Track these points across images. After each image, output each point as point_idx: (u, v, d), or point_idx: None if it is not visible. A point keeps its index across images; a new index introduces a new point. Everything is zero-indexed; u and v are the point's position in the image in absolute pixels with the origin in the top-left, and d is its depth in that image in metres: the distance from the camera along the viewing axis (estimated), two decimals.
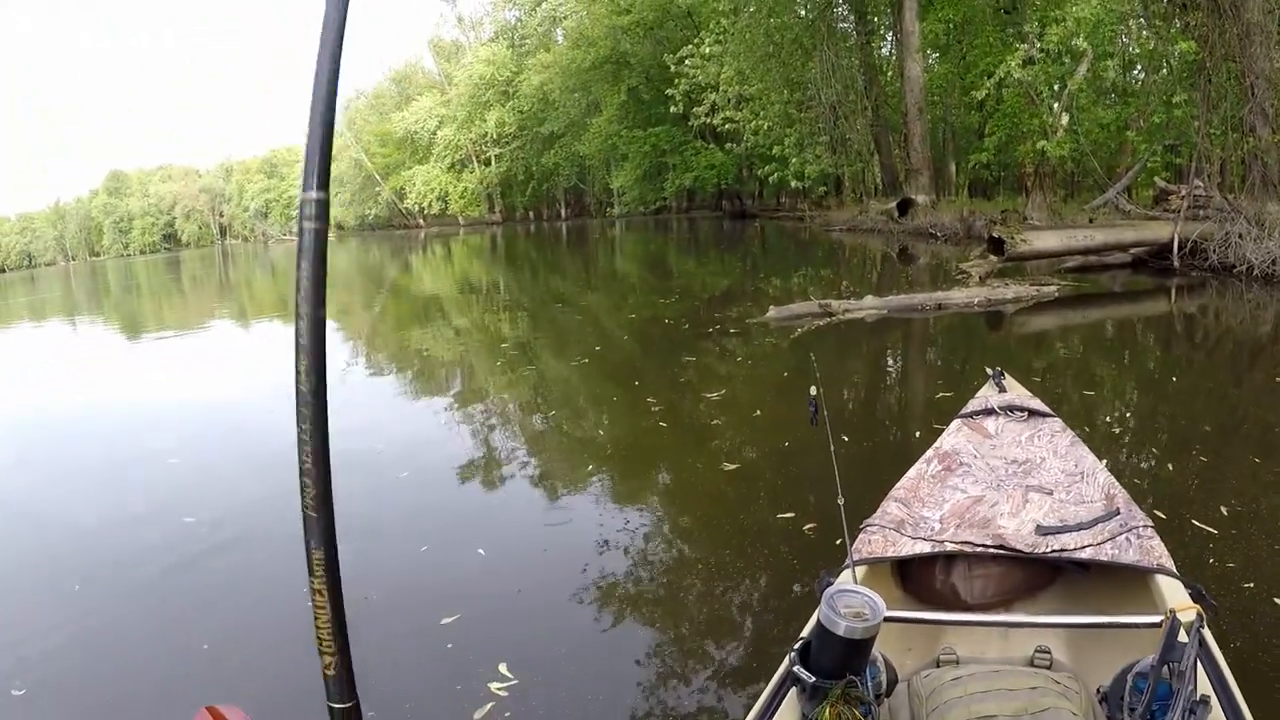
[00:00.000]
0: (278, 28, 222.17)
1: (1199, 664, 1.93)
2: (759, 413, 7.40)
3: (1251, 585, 3.55)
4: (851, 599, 1.91)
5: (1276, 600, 3.42)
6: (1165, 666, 1.83)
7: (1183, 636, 1.86)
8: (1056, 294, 12.19)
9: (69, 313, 28.29)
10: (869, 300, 11.88)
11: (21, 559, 5.42)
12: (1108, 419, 6.53)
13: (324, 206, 1.47)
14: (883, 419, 7.43)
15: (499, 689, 3.26)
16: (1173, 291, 12.80)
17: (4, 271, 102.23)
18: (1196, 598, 2.36)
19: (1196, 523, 4.18)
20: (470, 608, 3.97)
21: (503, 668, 3.38)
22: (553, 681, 3.36)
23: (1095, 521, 2.85)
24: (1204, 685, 1.91)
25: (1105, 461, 4.89)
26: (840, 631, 1.85)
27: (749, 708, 2.14)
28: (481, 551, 4.69)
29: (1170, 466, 5.28)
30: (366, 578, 4.21)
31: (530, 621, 3.87)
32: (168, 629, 4.21)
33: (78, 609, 4.47)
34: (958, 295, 12.12)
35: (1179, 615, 1.97)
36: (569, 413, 8.31)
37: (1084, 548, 2.72)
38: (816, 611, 1.96)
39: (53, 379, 13.25)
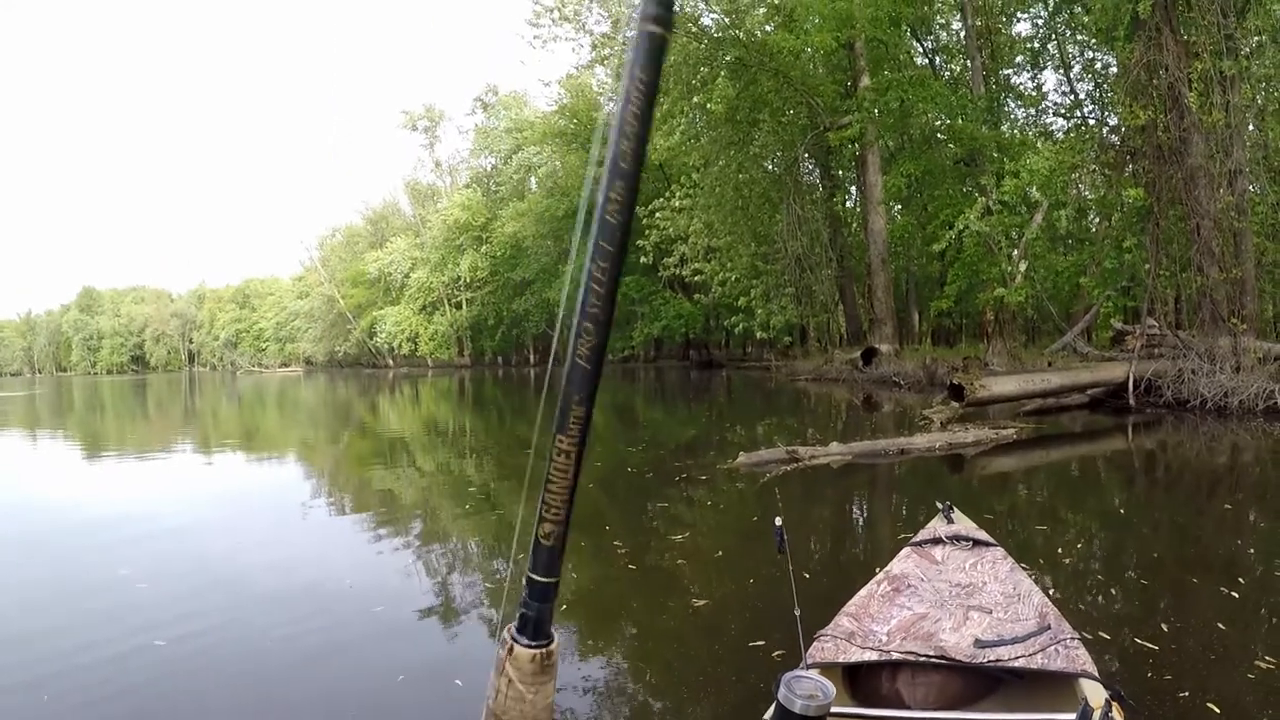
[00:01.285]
0: (263, 158, 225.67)
1: None
2: (721, 553, 7.36)
3: (1186, 694, 3.79)
4: (806, 683, 2.08)
5: (1210, 705, 3.65)
6: None
7: None
8: (1015, 436, 12.38)
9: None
10: (834, 446, 11.92)
11: None
12: (1060, 550, 6.74)
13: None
14: (843, 556, 7.49)
15: None
16: (1129, 428, 13.02)
17: None
18: (1115, 697, 2.60)
19: (1138, 640, 4.44)
20: None
21: None
22: None
23: (1028, 636, 3.11)
24: None
25: (1055, 587, 5.43)
26: (796, 709, 2.03)
27: None
28: (459, 682, 4.53)
29: (1115, 591, 5.62)
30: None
31: None
32: None
33: None
34: (920, 440, 12.25)
35: (1092, 707, 2.27)
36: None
37: (1017, 658, 2.97)
38: (776, 696, 2.10)
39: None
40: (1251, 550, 6.25)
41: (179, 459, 17.31)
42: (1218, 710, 3.58)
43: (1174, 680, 3.92)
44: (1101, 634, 4.51)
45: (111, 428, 27.51)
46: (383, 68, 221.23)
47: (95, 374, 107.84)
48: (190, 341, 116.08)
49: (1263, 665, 4.01)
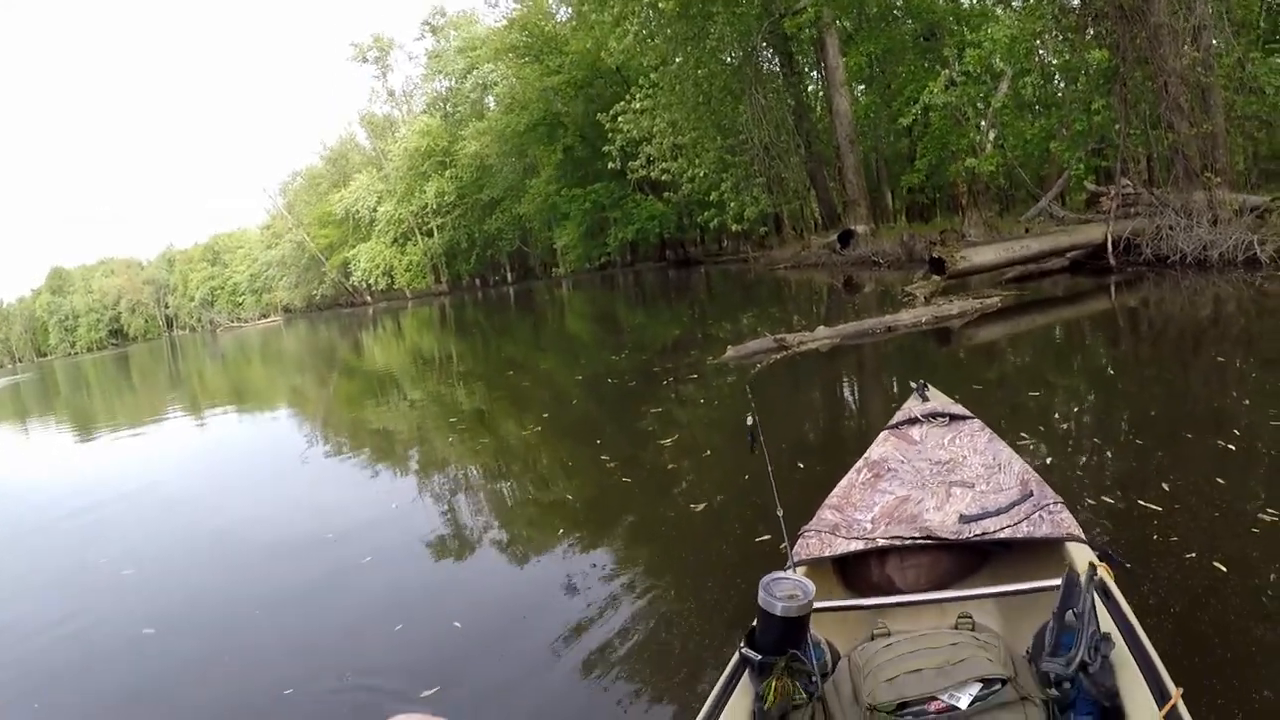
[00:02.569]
0: (216, 110, 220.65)
1: (1104, 609, 2.24)
2: (710, 453, 7.42)
3: (1193, 555, 3.78)
4: (784, 584, 2.21)
5: (1216, 564, 3.65)
6: (1068, 612, 2.13)
7: (1083, 585, 2.16)
8: (1000, 305, 12.43)
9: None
10: (821, 331, 11.96)
11: None
12: (1056, 416, 6.75)
13: None
14: (836, 442, 7.47)
15: None
16: (1112, 288, 13.07)
17: None
18: (1103, 557, 2.65)
19: (1141, 503, 4.42)
20: (451, 682, 3.90)
21: None
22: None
23: (1011, 505, 3.15)
24: (1108, 626, 2.18)
25: (1052, 454, 5.52)
26: (777, 611, 2.16)
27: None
28: (458, 624, 4.55)
29: (1113, 453, 5.61)
30: (341, 661, 4.27)
31: (517, 691, 3.82)
32: None
33: None
34: (905, 317, 12.31)
35: (1076, 569, 2.30)
36: (529, 480, 8.09)
37: (1003, 529, 3.02)
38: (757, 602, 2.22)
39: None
40: (1246, 401, 6.26)
41: (171, 426, 17.26)
42: (1224, 569, 3.58)
43: (1180, 541, 3.92)
44: (1105, 499, 4.55)
45: (99, 406, 27.44)
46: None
47: (75, 354, 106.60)
48: (166, 307, 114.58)
49: (1265, 518, 3.98)
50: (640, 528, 5.80)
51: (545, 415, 10.67)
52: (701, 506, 5.73)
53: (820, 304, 19.92)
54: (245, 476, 10.42)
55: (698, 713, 2.28)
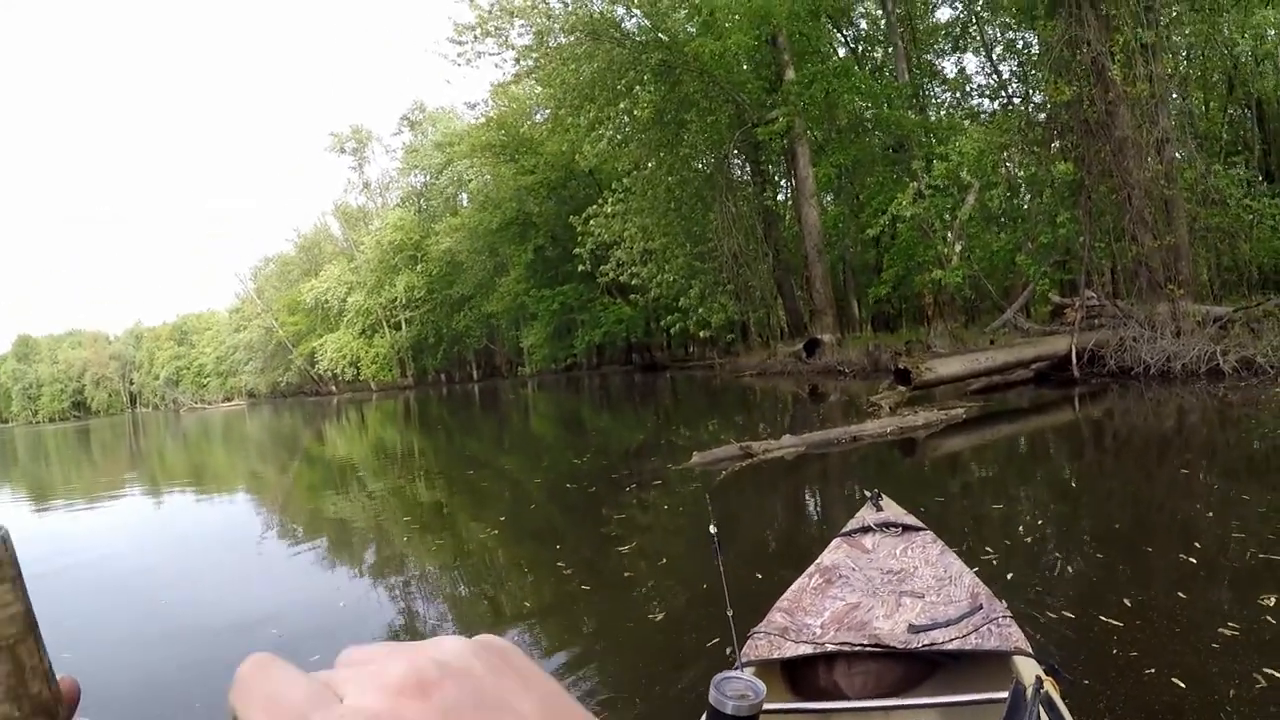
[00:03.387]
0: (190, 190, 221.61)
1: None
2: (666, 561, 7.31)
3: (1152, 670, 3.76)
4: (736, 683, 1.85)
5: (1175, 680, 3.63)
6: None
7: (1029, 699, 2.14)
8: (964, 416, 12.44)
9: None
10: (787, 439, 11.89)
11: None
12: (1021, 528, 6.70)
13: None
14: (797, 550, 7.26)
15: None
16: (1076, 400, 13.16)
17: None
18: (1049, 671, 2.63)
19: (1102, 618, 4.42)
20: None
21: None
22: None
23: (961, 617, 3.12)
24: None
25: (1013, 569, 5.52)
26: (728, 710, 1.81)
27: None
28: None
29: (1074, 567, 5.52)
30: None
31: None
32: None
33: None
34: (871, 427, 12.33)
35: (1023, 683, 2.29)
36: (485, 583, 7.91)
37: (951, 640, 2.98)
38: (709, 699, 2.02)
39: None
40: (1210, 514, 6.24)
41: (127, 503, 17.00)
42: (1183, 685, 3.56)
43: (1140, 657, 3.89)
44: (1065, 613, 4.51)
45: (57, 476, 26.97)
46: (306, 91, 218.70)
47: (37, 422, 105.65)
48: (131, 383, 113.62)
49: (1226, 633, 3.99)
50: (596, 636, 5.68)
51: (503, 518, 10.46)
52: (660, 616, 5.64)
53: (785, 412, 19.88)
54: (197, 561, 10.13)
55: None
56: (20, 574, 0.52)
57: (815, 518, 9.02)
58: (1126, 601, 4.56)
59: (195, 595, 8.11)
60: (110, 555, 10.73)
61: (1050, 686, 2.45)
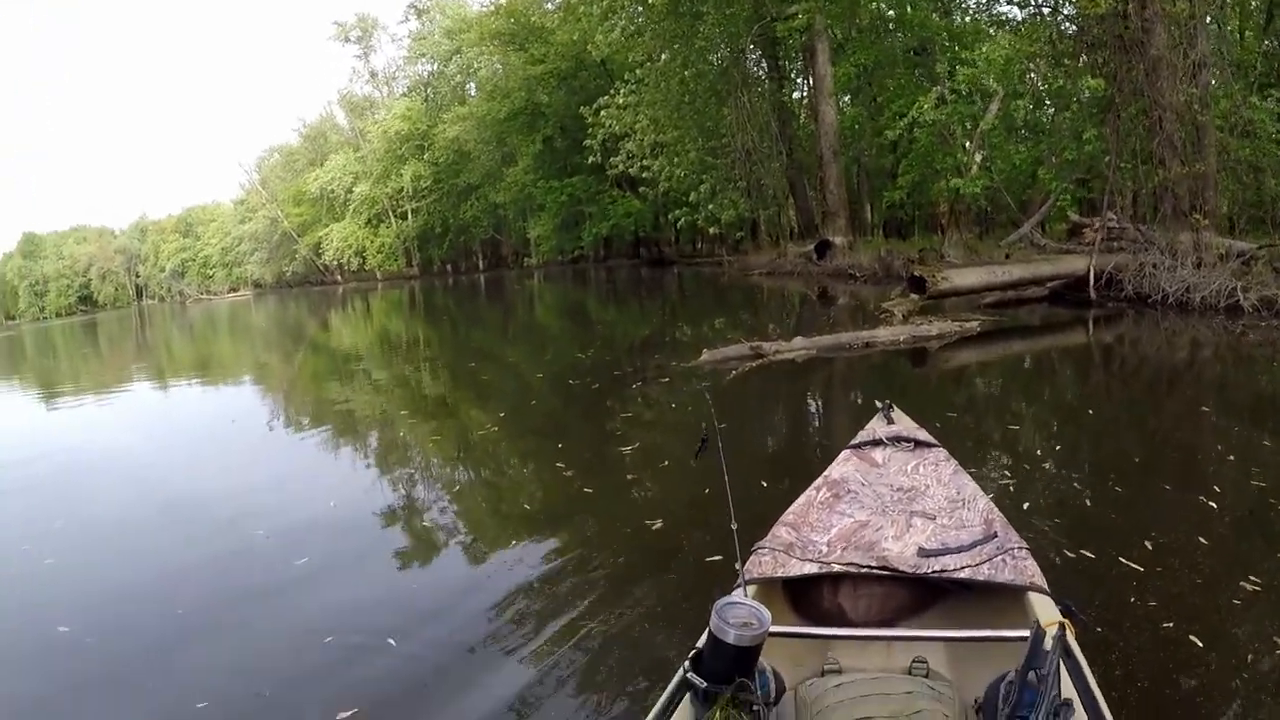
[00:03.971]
0: (194, 84, 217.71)
1: (1064, 671, 2.10)
2: (666, 463, 7.29)
3: (1170, 624, 3.60)
4: (739, 610, 2.08)
5: (1192, 638, 3.46)
6: (1030, 673, 1.96)
7: (1048, 645, 2.00)
8: (978, 329, 12.34)
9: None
10: (798, 341, 11.85)
11: None
12: (1038, 452, 6.50)
13: None
14: (802, 456, 7.40)
15: None
16: (1090, 323, 12.96)
17: None
18: (1066, 613, 2.55)
19: (1123, 560, 4.24)
20: (380, 702, 3.74)
21: None
22: None
23: (974, 544, 3.02)
24: (1069, 691, 2.10)
25: (1027, 494, 5.37)
26: (730, 639, 2.03)
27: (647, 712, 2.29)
28: (392, 641, 4.29)
29: (1091, 502, 5.27)
30: (262, 672, 4.17)
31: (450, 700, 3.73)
32: None
33: None
34: (884, 333, 12.25)
35: (1043, 626, 2.11)
36: (483, 482, 7.91)
37: (963, 568, 2.91)
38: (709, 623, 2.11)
39: None
40: (1231, 457, 6.02)
41: (130, 395, 17.16)
42: (1200, 644, 3.41)
43: (1158, 608, 3.75)
44: (1083, 552, 4.36)
45: (65, 370, 27.28)
46: None
47: (45, 318, 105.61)
48: (137, 276, 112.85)
49: (1247, 587, 3.83)
50: (594, 544, 5.55)
51: (503, 414, 10.45)
52: (659, 524, 5.54)
53: (793, 314, 19.92)
54: (193, 454, 10.24)
55: None
56: None
57: (823, 426, 8.91)
58: (1147, 544, 4.39)
59: (188, 490, 8.15)
60: (109, 449, 10.86)
61: (1068, 630, 2.40)
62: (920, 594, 3.08)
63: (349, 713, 3.58)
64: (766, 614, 2.08)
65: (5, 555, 6.52)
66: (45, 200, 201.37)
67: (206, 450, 10.22)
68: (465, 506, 7.10)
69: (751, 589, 2.89)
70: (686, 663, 2.17)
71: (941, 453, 3.99)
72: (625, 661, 3.88)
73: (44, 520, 7.42)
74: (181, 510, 7.40)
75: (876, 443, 4.13)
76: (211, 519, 6.99)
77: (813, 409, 9.84)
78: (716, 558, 4.53)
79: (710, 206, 32.62)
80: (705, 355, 11.44)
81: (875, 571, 2.96)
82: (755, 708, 2.09)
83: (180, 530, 6.80)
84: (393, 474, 8.34)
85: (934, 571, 2.92)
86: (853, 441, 4.23)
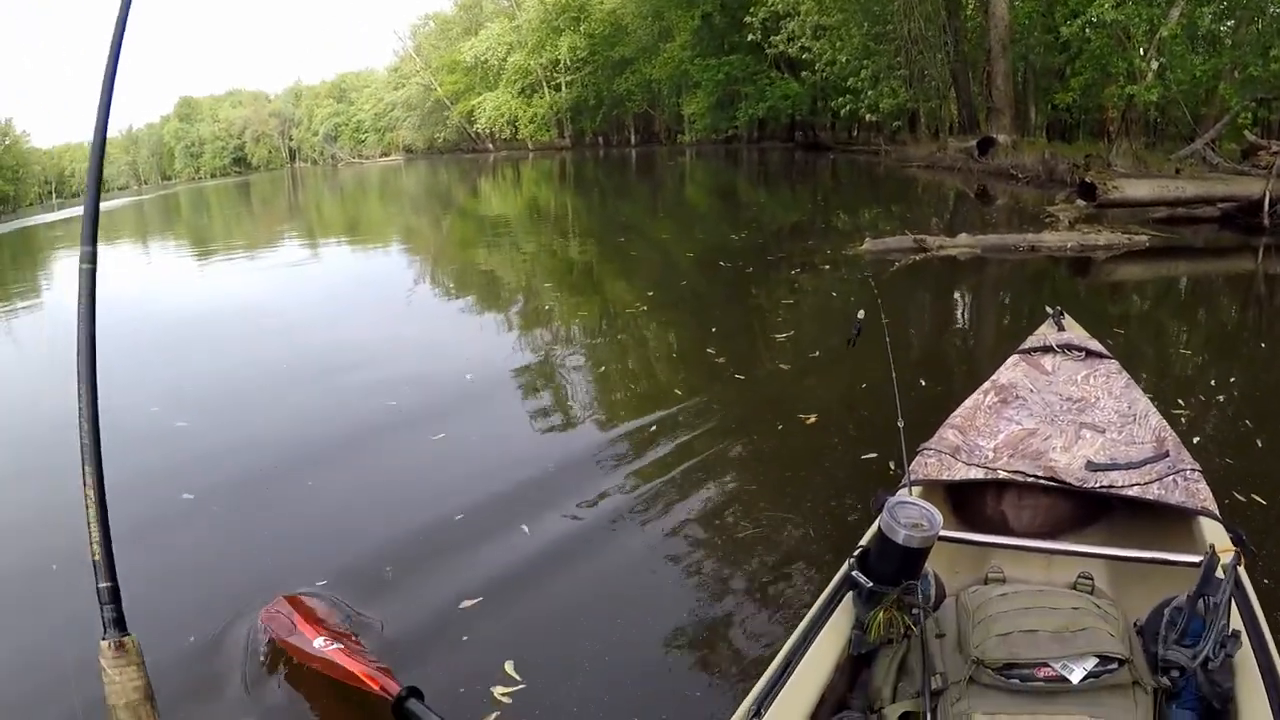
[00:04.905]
0: None
1: (1233, 601, 2.00)
2: (818, 354, 7.21)
3: None
4: (911, 510, 2.08)
5: None
6: (1200, 601, 1.96)
7: (1220, 574, 1.98)
8: (1147, 244, 11.78)
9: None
10: (963, 238, 11.77)
11: None
12: (1210, 381, 6.07)
13: None
14: (965, 360, 7.22)
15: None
16: (1260, 251, 12.08)
17: (77, 196, 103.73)
18: (1236, 541, 2.46)
19: None
20: (510, 588, 3.73)
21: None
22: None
23: (1144, 462, 2.96)
24: (1236, 623, 1.97)
25: (1190, 422, 4.95)
26: (899, 539, 2.03)
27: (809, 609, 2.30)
28: (525, 529, 4.26)
29: (1264, 444, 4.77)
30: (379, 549, 4.16)
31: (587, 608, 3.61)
32: None
33: None
34: (1050, 238, 11.97)
35: (1218, 554, 2.06)
36: (629, 361, 7.84)
37: (1131, 486, 2.84)
38: (877, 521, 2.16)
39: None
40: None
41: (279, 254, 17.77)
42: None
43: None
44: (1255, 497, 3.95)
45: (218, 229, 28.10)
46: None
47: (200, 179, 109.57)
48: (290, 139, 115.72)
49: None
50: (743, 434, 5.42)
51: (651, 292, 10.36)
52: (812, 417, 5.45)
53: (951, 210, 19.51)
54: (334, 315, 10.51)
55: (792, 626, 2.26)
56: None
57: (987, 328, 8.62)
58: None
59: (327, 357, 8.25)
60: (253, 307, 11.12)
61: (1241, 560, 2.28)
62: (1085, 508, 2.99)
63: (473, 601, 3.57)
64: (938, 516, 2.07)
65: (134, 420, 6.30)
66: (202, 66, 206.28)
67: (349, 314, 10.47)
68: (608, 388, 6.99)
69: (916, 490, 2.90)
70: (852, 559, 2.19)
71: (1114, 364, 3.90)
72: (775, 555, 3.81)
73: (176, 380, 7.70)
74: (317, 378, 7.51)
75: (1046, 349, 4.08)
76: (348, 386, 7.05)
77: (976, 309, 9.58)
78: (872, 455, 4.56)
79: (870, 94, 32.41)
80: (868, 243, 11.41)
81: (1041, 481, 2.90)
82: (915, 610, 2.10)
83: (315, 400, 6.85)
84: (535, 348, 8.28)
85: (1101, 486, 2.85)
86: (1022, 346, 4.19)
